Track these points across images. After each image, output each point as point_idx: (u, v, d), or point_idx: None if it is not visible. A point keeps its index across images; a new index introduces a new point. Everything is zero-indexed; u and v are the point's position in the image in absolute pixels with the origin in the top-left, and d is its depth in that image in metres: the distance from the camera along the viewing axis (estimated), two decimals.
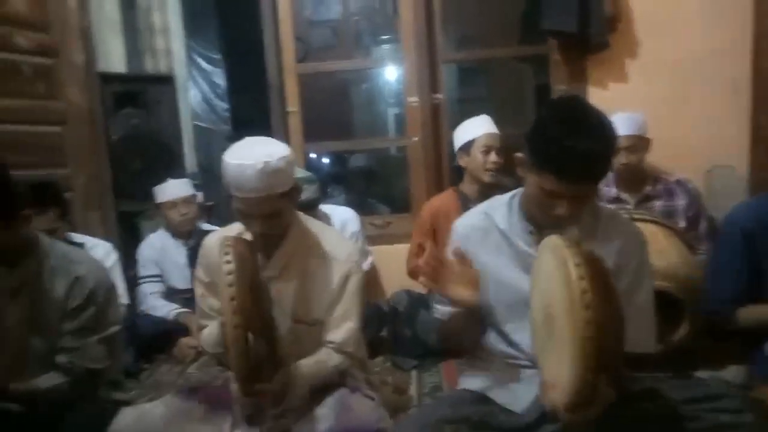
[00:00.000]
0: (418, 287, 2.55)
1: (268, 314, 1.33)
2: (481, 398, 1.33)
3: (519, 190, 1.39)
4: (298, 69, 3.15)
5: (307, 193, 2.26)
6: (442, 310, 1.46)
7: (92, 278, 1.62)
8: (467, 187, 2.53)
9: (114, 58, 3.77)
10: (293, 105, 3.15)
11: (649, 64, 2.80)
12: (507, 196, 1.42)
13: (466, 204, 2.41)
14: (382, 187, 4.23)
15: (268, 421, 1.43)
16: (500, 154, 2.45)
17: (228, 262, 1.22)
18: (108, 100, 3.20)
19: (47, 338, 1.59)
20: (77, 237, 2.47)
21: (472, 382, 1.40)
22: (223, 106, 6.09)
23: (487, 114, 2.59)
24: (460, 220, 1.46)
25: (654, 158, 2.56)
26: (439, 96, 3.16)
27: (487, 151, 2.44)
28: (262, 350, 1.24)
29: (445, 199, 2.59)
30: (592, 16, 2.66)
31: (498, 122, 2.55)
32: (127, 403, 1.68)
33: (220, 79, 6.08)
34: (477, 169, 2.46)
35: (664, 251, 2.03)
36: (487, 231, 1.38)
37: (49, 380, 1.56)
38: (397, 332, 2.45)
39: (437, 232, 2.53)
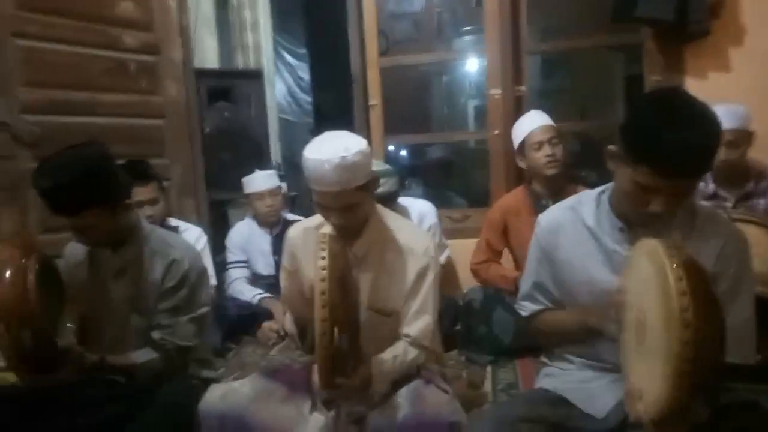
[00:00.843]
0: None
1: (355, 311, 1.35)
2: (558, 399, 1.30)
3: (609, 185, 1.33)
4: (380, 62, 3.18)
5: (386, 185, 2.29)
6: (529, 307, 1.44)
7: (187, 261, 1.73)
8: (536, 185, 2.47)
9: (208, 54, 3.99)
10: (375, 98, 3.19)
11: (754, 52, 2.59)
12: (596, 191, 1.37)
13: (537, 201, 2.35)
14: (461, 181, 4.20)
15: (345, 407, 1.47)
16: (555, 145, 2.37)
17: (323, 258, 1.25)
18: (202, 95, 3.39)
19: (146, 316, 1.72)
20: (172, 221, 2.66)
21: (550, 382, 1.38)
22: (306, 99, 6.27)
23: (572, 106, 2.51)
24: (544, 214, 1.44)
25: (757, 153, 2.37)
26: (522, 88, 3.08)
27: (539, 147, 2.37)
28: (346, 345, 1.26)
29: (516, 196, 2.53)
30: (692, 2, 2.50)
31: (583, 114, 2.46)
32: (215, 380, 1.79)
33: (304, 72, 6.27)
34: (537, 167, 2.39)
35: (766, 255, 1.88)
36: (573, 226, 1.35)
37: (144, 355, 1.69)
38: (471, 328, 2.44)
39: (508, 231, 2.49)
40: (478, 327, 2.41)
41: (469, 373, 2.26)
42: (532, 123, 2.42)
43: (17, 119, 2.50)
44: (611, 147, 1.24)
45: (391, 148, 4.09)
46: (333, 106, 5.26)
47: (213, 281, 2.67)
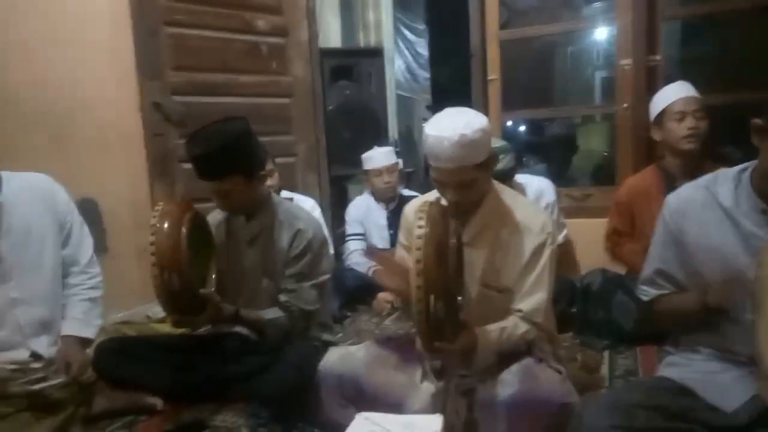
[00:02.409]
0: (616, 266, 2.40)
1: (452, 278, 1.36)
2: (682, 389, 1.24)
3: (750, 164, 1.22)
4: (501, 35, 3.11)
5: (503, 162, 2.26)
6: (650, 292, 1.38)
7: (310, 231, 1.87)
8: (670, 162, 2.28)
9: (332, 34, 4.13)
10: (494, 72, 3.13)
11: None
12: (735, 169, 1.26)
13: (670, 182, 2.17)
14: (583, 157, 3.99)
15: (455, 378, 1.51)
16: (699, 119, 2.17)
17: (420, 226, 1.28)
18: (326, 74, 3.53)
19: (275, 280, 1.89)
20: (286, 193, 2.84)
21: (674, 371, 1.31)
22: (424, 75, 6.28)
23: (716, 76, 2.28)
24: (674, 193, 1.35)
25: None
26: (657, 57, 2.85)
27: (681, 118, 2.17)
28: (441, 312, 1.28)
29: (645, 177, 2.36)
30: None
31: (729, 85, 2.23)
32: (334, 344, 1.92)
33: (423, 48, 6.26)
34: (674, 140, 2.20)
35: None
36: (707, 207, 1.26)
37: (272, 313, 1.86)
38: (588, 311, 2.35)
39: (636, 216, 2.33)
40: (596, 311, 2.33)
41: (584, 356, 2.19)
42: (676, 92, 2.25)
43: (168, 100, 2.79)
44: (756, 120, 1.13)
45: (509, 123, 4.00)
46: (451, 81, 5.21)
47: (330, 250, 2.81)
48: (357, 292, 2.93)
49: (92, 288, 1.94)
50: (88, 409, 1.80)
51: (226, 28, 2.98)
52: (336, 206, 3.40)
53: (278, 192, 2.66)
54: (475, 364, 1.44)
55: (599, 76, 5.17)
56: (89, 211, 2.10)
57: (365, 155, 3.12)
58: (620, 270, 2.43)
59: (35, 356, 1.79)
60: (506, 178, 2.28)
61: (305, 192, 3.04)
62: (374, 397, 1.48)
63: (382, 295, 2.86)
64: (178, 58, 2.82)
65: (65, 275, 1.90)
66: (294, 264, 1.87)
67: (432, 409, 1.44)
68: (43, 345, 1.81)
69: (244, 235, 1.92)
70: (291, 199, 2.74)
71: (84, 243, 1.96)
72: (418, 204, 1.71)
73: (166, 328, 2.03)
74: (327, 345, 1.83)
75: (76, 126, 2.43)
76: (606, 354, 2.21)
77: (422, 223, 1.28)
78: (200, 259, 1.81)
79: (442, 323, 1.31)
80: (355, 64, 3.70)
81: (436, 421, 1.24)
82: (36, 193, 1.83)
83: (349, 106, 3.63)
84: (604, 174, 3.19)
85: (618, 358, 2.18)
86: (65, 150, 2.35)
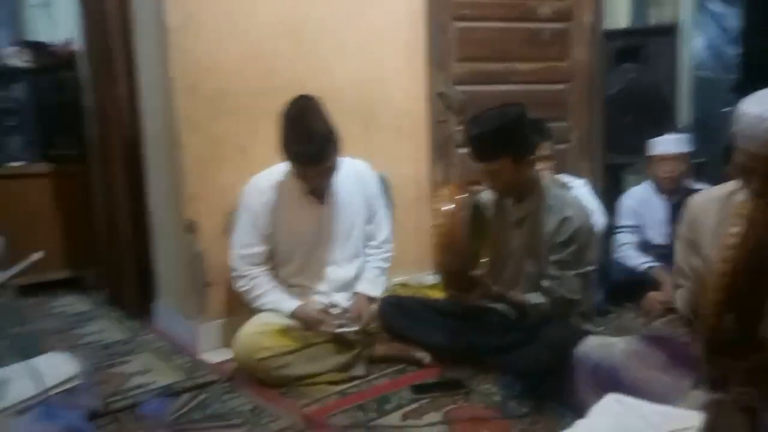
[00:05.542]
0: None
1: (762, 294, 1.20)
2: None
3: None
4: None
5: None
6: None
7: (578, 220, 1.87)
8: None
9: (618, 14, 3.89)
10: None
11: None
12: None
13: None
14: None
15: (734, 393, 1.36)
16: None
17: (736, 224, 1.15)
18: (609, 56, 3.36)
19: (537, 264, 1.95)
20: (563, 177, 2.81)
21: None
22: (731, 52, 5.38)
23: None
24: None
25: None
26: None
27: None
28: (732, 326, 1.17)
29: None
30: None
31: None
32: (593, 333, 1.88)
33: (732, 21, 5.37)
34: None
35: None
36: None
37: (535, 298, 1.92)
38: None
39: None
40: None
41: None
42: None
43: (450, 89, 3.04)
44: None
45: None
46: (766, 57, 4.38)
47: (601, 218, 2.65)
48: (624, 288, 2.77)
49: (383, 260, 2.34)
50: (370, 352, 2.15)
51: (509, 17, 3.07)
52: (609, 197, 3.24)
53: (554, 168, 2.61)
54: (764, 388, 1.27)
55: None
56: (382, 186, 2.47)
57: (652, 140, 2.89)
58: None
59: (336, 306, 2.22)
60: None
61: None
62: (632, 392, 1.43)
63: (654, 295, 2.65)
64: (462, 50, 3.04)
65: (365, 246, 2.30)
66: (558, 251, 1.90)
67: None
68: (344, 298, 2.23)
69: (512, 216, 2.02)
70: (566, 185, 2.70)
71: (384, 223, 2.36)
72: (708, 197, 1.55)
73: (436, 295, 2.28)
74: (586, 333, 1.81)
75: (380, 115, 2.84)
76: None
77: (740, 221, 1.16)
78: (476, 241, 1.96)
79: (733, 338, 1.20)
80: (642, 45, 3.43)
81: (695, 417, 1.15)
82: (356, 176, 2.26)
83: (633, 90, 3.39)
84: None
85: None
86: (371, 136, 2.78)
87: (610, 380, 1.50)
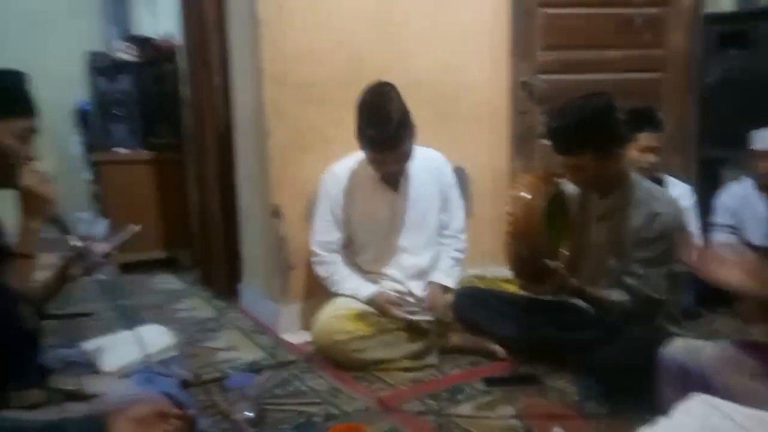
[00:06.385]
0: None
1: None
2: None
3: None
4: None
5: None
6: None
7: (668, 217, 1.78)
8: None
9: None
10: None
11: None
12: None
13: None
14: None
15: None
16: None
17: None
18: (710, 42, 3.14)
19: (621, 260, 1.87)
20: (660, 175, 2.66)
21: None
22: None
23: None
24: None
25: None
26: None
27: None
28: None
29: None
30: None
31: None
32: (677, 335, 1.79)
33: None
34: None
35: None
36: None
37: (616, 295, 1.85)
38: None
39: None
40: None
41: None
42: None
43: (534, 79, 2.96)
44: None
45: None
46: None
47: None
48: (717, 290, 2.57)
49: (458, 251, 2.35)
50: (444, 341, 2.17)
51: (599, 2, 2.95)
52: (704, 193, 3.03)
53: (654, 170, 2.48)
54: None
55: None
56: (459, 178, 2.46)
57: (757, 132, 2.67)
58: None
59: (411, 294, 2.25)
60: None
61: (680, 177, 2.80)
62: (722, 397, 1.35)
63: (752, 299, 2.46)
64: (548, 38, 2.95)
65: (439, 235, 2.31)
66: (645, 247, 1.81)
67: None
68: (418, 287, 2.26)
69: (595, 209, 1.95)
70: (661, 181, 2.57)
71: (458, 214, 2.36)
72: None
73: (512, 288, 2.25)
74: (671, 335, 1.73)
75: (458, 104, 2.83)
76: None
77: None
78: (554, 231, 1.90)
79: None
80: (749, 29, 3.16)
81: None
82: (431, 165, 2.28)
83: (736, 79, 3.14)
84: None
85: None
86: (448, 125, 2.77)
87: (698, 385, 1.42)
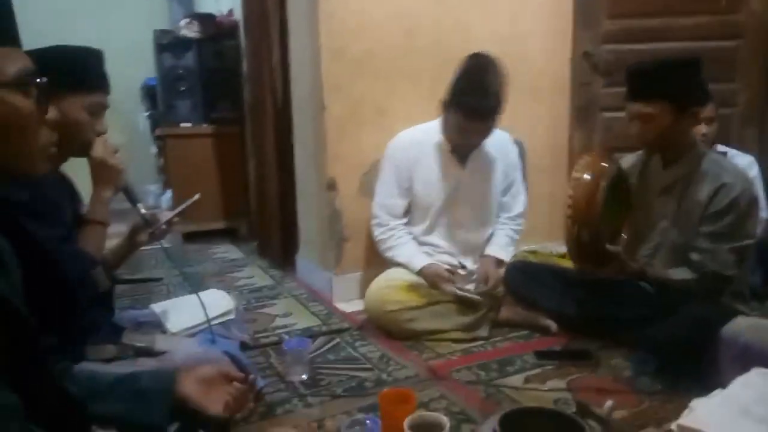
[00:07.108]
0: None
1: None
2: None
3: None
4: None
5: None
6: None
7: (737, 188, 1.68)
8: None
9: None
10: None
11: None
12: None
13: None
14: None
15: None
16: None
17: None
18: None
19: (685, 234, 1.79)
20: (720, 147, 2.52)
21: None
22: None
23: None
24: None
25: None
26: None
27: None
28: None
29: None
30: None
31: None
32: (744, 314, 1.71)
33: None
34: None
35: None
36: None
37: (680, 273, 1.78)
38: None
39: None
40: None
41: None
42: None
43: (598, 49, 2.85)
44: None
45: None
46: None
47: (764, 214, 2.41)
48: None
49: (514, 231, 2.34)
50: (495, 314, 2.16)
51: None
52: None
53: (711, 145, 2.41)
54: None
55: None
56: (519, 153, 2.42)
57: None
58: None
59: (463, 267, 2.24)
60: None
61: (741, 148, 2.66)
62: None
63: None
64: (614, 5, 2.81)
65: (498, 216, 2.29)
66: (713, 221, 1.72)
67: None
68: (469, 261, 2.26)
69: (658, 182, 1.86)
70: (724, 154, 2.46)
71: (519, 198, 2.35)
72: None
73: (566, 263, 2.20)
74: (738, 313, 1.65)
75: (517, 76, 2.73)
76: None
77: None
78: (614, 213, 1.83)
79: None
80: None
81: None
82: (498, 145, 2.25)
83: None
84: None
85: None
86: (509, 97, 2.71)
87: (761, 365, 1.36)
